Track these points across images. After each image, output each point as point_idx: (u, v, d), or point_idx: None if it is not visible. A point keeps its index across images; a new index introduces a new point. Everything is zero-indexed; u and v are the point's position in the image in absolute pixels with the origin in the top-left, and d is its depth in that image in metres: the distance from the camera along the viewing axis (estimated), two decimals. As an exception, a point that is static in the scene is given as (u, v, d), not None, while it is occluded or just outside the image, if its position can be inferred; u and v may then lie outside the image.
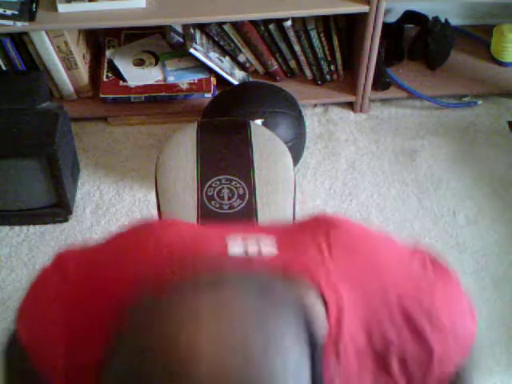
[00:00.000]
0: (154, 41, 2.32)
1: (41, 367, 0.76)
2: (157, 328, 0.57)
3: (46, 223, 2.00)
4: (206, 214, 1.42)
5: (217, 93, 2.21)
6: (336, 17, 2.17)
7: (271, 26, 2.13)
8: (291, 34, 2.15)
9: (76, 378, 0.74)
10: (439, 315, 0.75)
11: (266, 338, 0.55)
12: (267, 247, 0.72)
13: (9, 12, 1.95)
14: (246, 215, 1.42)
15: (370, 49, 2.10)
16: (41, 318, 0.77)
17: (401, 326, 0.73)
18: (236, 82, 2.22)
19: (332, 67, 2.26)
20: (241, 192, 1.46)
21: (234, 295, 0.57)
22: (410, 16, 2.37)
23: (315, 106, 2.32)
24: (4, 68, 2.14)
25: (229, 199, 1.45)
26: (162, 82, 2.23)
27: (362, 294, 0.72)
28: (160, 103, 2.23)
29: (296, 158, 1.97)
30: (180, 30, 2.16)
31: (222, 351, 0.54)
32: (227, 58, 2.24)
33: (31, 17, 1.95)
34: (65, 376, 0.74)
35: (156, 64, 2.27)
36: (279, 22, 2.12)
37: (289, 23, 2.11)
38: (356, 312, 0.71)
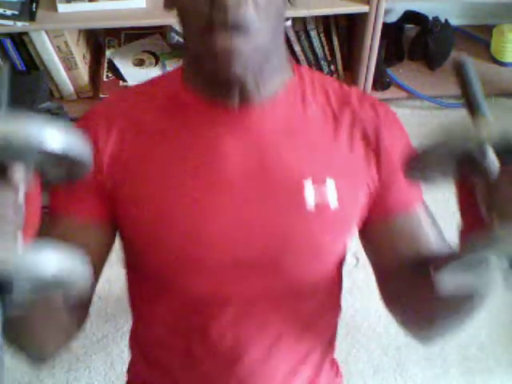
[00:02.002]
0: (154, 41, 2.32)
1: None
2: None
3: (46, 223, 2.00)
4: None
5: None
6: (336, 17, 2.17)
7: (271, 26, 2.13)
8: (291, 34, 2.15)
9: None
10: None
11: None
12: None
13: (9, 12, 1.95)
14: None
15: (370, 49, 2.10)
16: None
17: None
18: (236, 82, 2.22)
19: (332, 67, 2.26)
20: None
21: None
22: (410, 16, 2.37)
23: (315, 106, 2.32)
24: (4, 68, 2.14)
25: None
26: (162, 82, 2.23)
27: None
28: (160, 103, 2.23)
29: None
30: (180, 29, 2.15)
31: None
32: (227, 57, 2.24)
33: (31, 17, 1.95)
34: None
35: (156, 64, 2.27)
36: (279, 22, 2.12)
37: (289, 23, 2.11)
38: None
